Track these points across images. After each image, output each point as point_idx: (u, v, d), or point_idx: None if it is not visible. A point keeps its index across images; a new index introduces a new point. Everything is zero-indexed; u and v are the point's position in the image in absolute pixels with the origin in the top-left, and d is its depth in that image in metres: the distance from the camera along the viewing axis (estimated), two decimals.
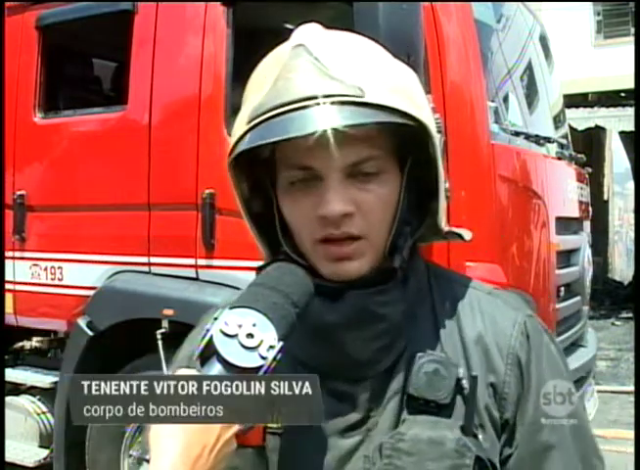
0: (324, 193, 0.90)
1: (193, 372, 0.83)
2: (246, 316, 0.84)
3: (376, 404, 0.95)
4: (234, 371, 0.82)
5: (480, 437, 0.92)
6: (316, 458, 0.95)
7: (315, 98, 0.85)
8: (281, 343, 0.83)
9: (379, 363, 0.95)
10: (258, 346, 0.82)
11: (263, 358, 0.82)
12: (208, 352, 0.83)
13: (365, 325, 0.94)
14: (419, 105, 0.91)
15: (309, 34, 0.92)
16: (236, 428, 0.82)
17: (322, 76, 0.86)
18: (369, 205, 0.91)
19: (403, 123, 0.88)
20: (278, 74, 0.89)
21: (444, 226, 0.99)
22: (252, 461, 0.86)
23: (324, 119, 0.85)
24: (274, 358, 0.82)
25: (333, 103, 0.85)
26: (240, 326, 0.83)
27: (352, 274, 0.94)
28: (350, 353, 0.95)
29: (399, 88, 0.89)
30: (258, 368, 0.82)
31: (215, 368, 0.82)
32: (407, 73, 0.95)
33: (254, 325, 0.83)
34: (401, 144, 0.94)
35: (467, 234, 1.06)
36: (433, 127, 0.92)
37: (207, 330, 0.84)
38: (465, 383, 0.93)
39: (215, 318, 0.84)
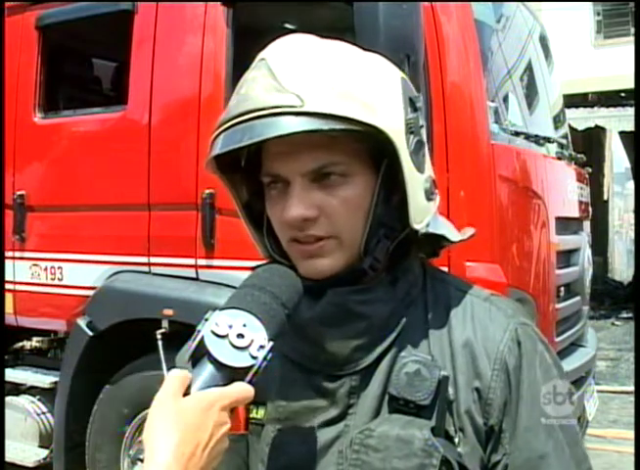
0: (288, 198, 0.93)
1: (185, 373, 0.83)
2: (236, 317, 0.85)
3: (355, 401, 0.96)
4: (225, 371, 0.83)
5: (457, 440, 0.92)
6: (295, 450, 0.97)
7: (257, 110, 0.88)
8: (271, 343, 0.84)
9: (357, 361, 0.96)
10: (249, 346, 0.83)
11: (254, 358, 0.83)
12: (200, 353, 0.84)
13: (342, 323, 0.96)
14: (373, 108, 0.90)
15: (275, 47, 0.95)
16: (228, 426, 0.83)
17: (268, 90, 0.89)
18: (333, 208, 0.93)
19: (361, 129, 0.89)
20: (238, 88, 0.94)
21: (421, 228, 0.97)
22: (233, 448, 0.87)
23: (261, 130, 0.88)
24: (264, 358, 0.83)
25: (272, 115, 0.88)
26: (230, 327, 0.84)
27: (324, 272, 0.95)
28: (328, 350, 0.96)
29: (349, 95, 0.89)
30: (249, 368, 0.83)
31: (207, 369, 0.83)
32: (369, 77, 0.94)
33: (245, 325, 0.84)
34: (374, 146, 0.94)
35: (454, 235, 1.05)
36: (392, 129, 0.91)
37: (199, 331, 0.85)
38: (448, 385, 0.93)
39: (206, 319, 0.85)
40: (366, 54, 0.98)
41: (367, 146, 0.94)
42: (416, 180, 0.96)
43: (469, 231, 1.09)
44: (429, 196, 0.99)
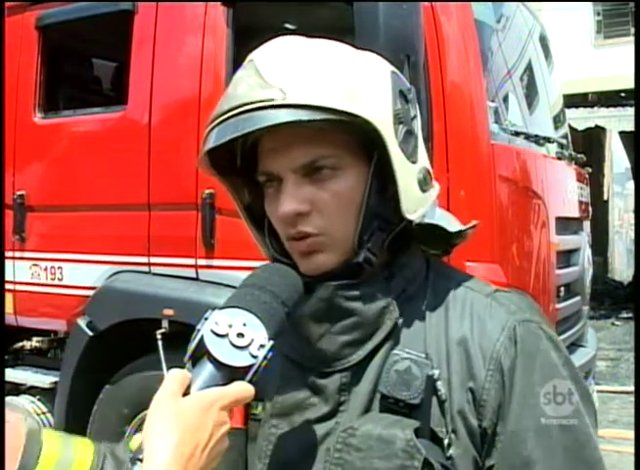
0: (280, 195, 0.94)
1: (184, 372, 0.83)
2: (236, 316, 0.85)
3: (347, 398, 0.95)
4: (225, 371, 0.83)
5: (446, 442, 0.90)
6: (289, 446, 0.97)
7: (242, 106, 0.90)
8: (271, 342, 0.84)
9: (346, 357, 0.95)
10: (249, 345, 0.83)
11: (254, 357, 0.83)
12: (200, 353, 0.84)
13: (330, 318, 0.95)
14: (357, 99, 0.90)
15: (263, 48, 0.97)
16: (228, 426, 0.82)
17: (253, 86, 0.91)
18: (325, 202, 0.94)
19: (345, 120, 0.89)
20: (228, 87, 0.95)
21: (416, 218, 0.96)
22: (230, 441, 0.87)
23: (245, 125, 0.89)
24: (265, 357, 0.83)
25: (256, 109, 0.89)
26: (230, 326, 0.84)
27: (320, 267, 0.96)
28: (317, 346, 0.96)
29: (332, 87, 0.89)
30: (249, 367, 0.83)
31: (207, 368, 0.83)
32: (355, 70, 0.94)
33: (245, 324, 0.84)
34: (365, 138, 0.94)
35: (453, 226, 1.03)
36: (379, 119, 0.91)
37: (198, 330, 0.84)
38: (440, 385, 0.92)
39: (206, 318, 0.85)
40: (355, 51, 0.98)
41: (357, 138, 0.94)
42: (407, 169, 0.95)
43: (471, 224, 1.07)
44: (423, 187, 0.98)
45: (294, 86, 0.89)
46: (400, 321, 0.96)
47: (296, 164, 0.93)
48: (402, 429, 0.88)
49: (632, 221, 22.39)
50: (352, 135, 0.93)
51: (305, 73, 0.91)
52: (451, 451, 0.90)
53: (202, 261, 3.28)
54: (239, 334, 0.83)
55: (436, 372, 0.92)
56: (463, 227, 1.05)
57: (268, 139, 0.93)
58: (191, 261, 3.31)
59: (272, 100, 0.88)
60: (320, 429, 0.96)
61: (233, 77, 0.96)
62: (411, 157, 0.96)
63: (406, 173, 0.95)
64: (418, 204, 0.97)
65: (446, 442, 0.90)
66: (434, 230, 1.01)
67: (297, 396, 0.98)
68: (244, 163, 1.01)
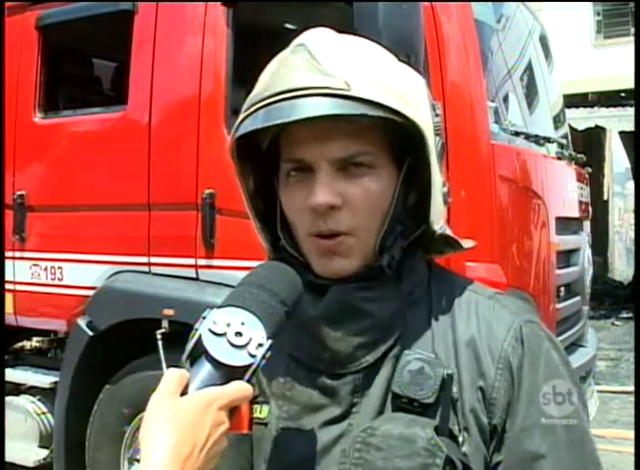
0: (313, 185, 0.92)
1: (183, 372, 0.83)
2: (234, 315, 0.84)
3: (359, 400, 0.95)
4: (223, 370, 0.82)
5: (460, 439, 0.91)
6: (298, 449, 0.96)
7: (302, 90, 0.88)
8: (270, 341, 0.84)
9: (360, 359, 0.95)
10: (247, 344, 0.83)
11: (252, 356, 0.82)
12: (198, 352, 0.83)
13: (346, 320, 0.95)
14: (412, 104, 0.91)
15: (312, 35, 0.95)
16: (226, 426, 0.82)
17: (313, 71, 0.89)
18: (357, 199, 0.93)
19: (395, 121, 0.90)
20: (275, 70, 0.93)
21: (438, 229, 0.98)
22: (237, 448, 0.86)
23: (306, 109, 0.88)
24: (263, 356, 0.83)
25: (317, 95, 0.88)
26: (228, 325, 0.83)
27: (341, 271, 0.96)
28: (331, 348, 0.96)
29: (390, 87, 0.90)
30: (248, 366, 0.82)
31: (205, 367, 0.82)
32: (405, 75, 0.96)
33: (243, 323, 0.84)
34: (398, 142, 0.95)
35: (467, 242, 1.06)
36: (426, 127, 0.93)
37: (196, 329, 0.84)
38: (452, 384, 0.93)
39: (204, 317, 0.85)
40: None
41: (391, 141, 0.95)
42: (439, 180, 0.97)
43: (469, 242, 1.09)
44: (445, 199, 1.00)
45: (356, 80, 0.89)
46: (409, 324, 0.97)
47: (333, 155, 0.92)
48: (423, 428, 0.89)
49: (632, 221, 22.41)
50: (387, 137, 0.94)
51: (367, 69, 0.91)
52: (464, 449, 0.91)
53: (202, 261, 3.28)
54: (237, 333, 0.83)
55: (450, 371, 0.93)
56: (470, 245, 1.07)
57: (307, 127, 0.90)
58: (191, 261, 3.31)
59: (338, 89, 0.88)
60: (332, 431, 0.95)
61: (276, 60, 0.94)
62: (440, 169, 0.98)
63: (437, 184, 0.97)
64: (440, 215, 0.99)
65: (460, 439, 0.92)
66: (441, 241, 1.03)
67: (307, 398, 0.97)
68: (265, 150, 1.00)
